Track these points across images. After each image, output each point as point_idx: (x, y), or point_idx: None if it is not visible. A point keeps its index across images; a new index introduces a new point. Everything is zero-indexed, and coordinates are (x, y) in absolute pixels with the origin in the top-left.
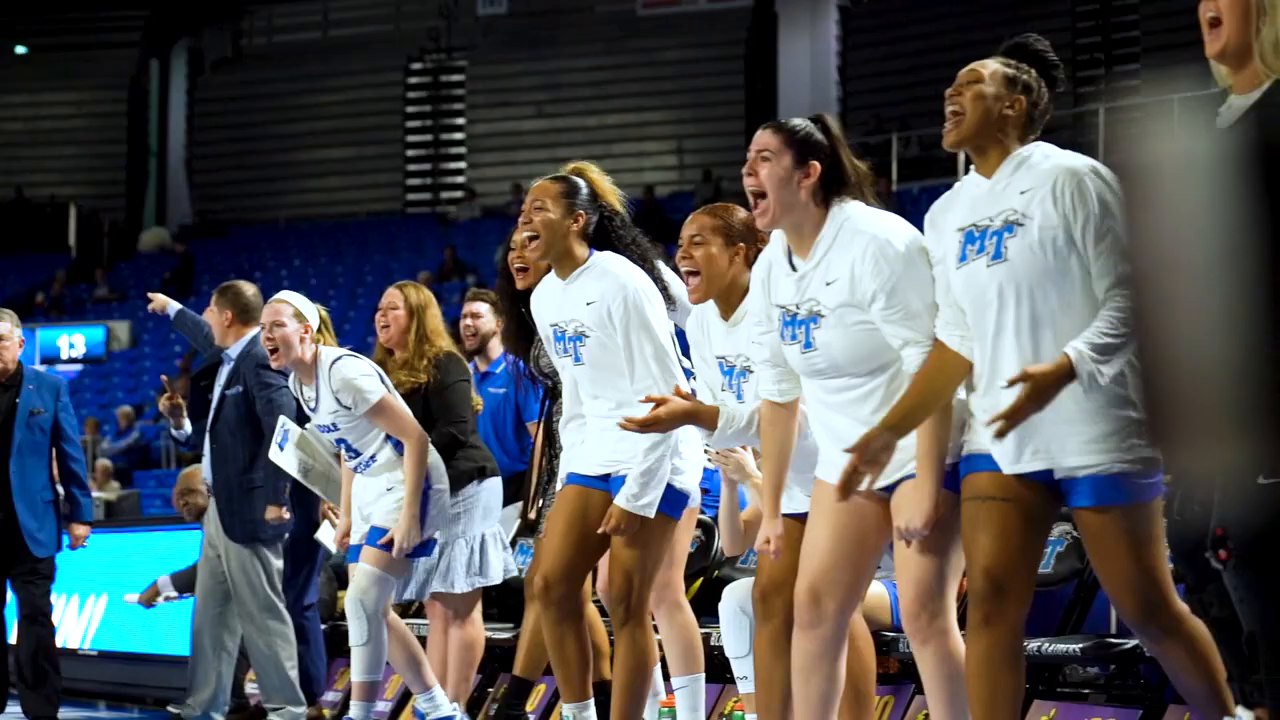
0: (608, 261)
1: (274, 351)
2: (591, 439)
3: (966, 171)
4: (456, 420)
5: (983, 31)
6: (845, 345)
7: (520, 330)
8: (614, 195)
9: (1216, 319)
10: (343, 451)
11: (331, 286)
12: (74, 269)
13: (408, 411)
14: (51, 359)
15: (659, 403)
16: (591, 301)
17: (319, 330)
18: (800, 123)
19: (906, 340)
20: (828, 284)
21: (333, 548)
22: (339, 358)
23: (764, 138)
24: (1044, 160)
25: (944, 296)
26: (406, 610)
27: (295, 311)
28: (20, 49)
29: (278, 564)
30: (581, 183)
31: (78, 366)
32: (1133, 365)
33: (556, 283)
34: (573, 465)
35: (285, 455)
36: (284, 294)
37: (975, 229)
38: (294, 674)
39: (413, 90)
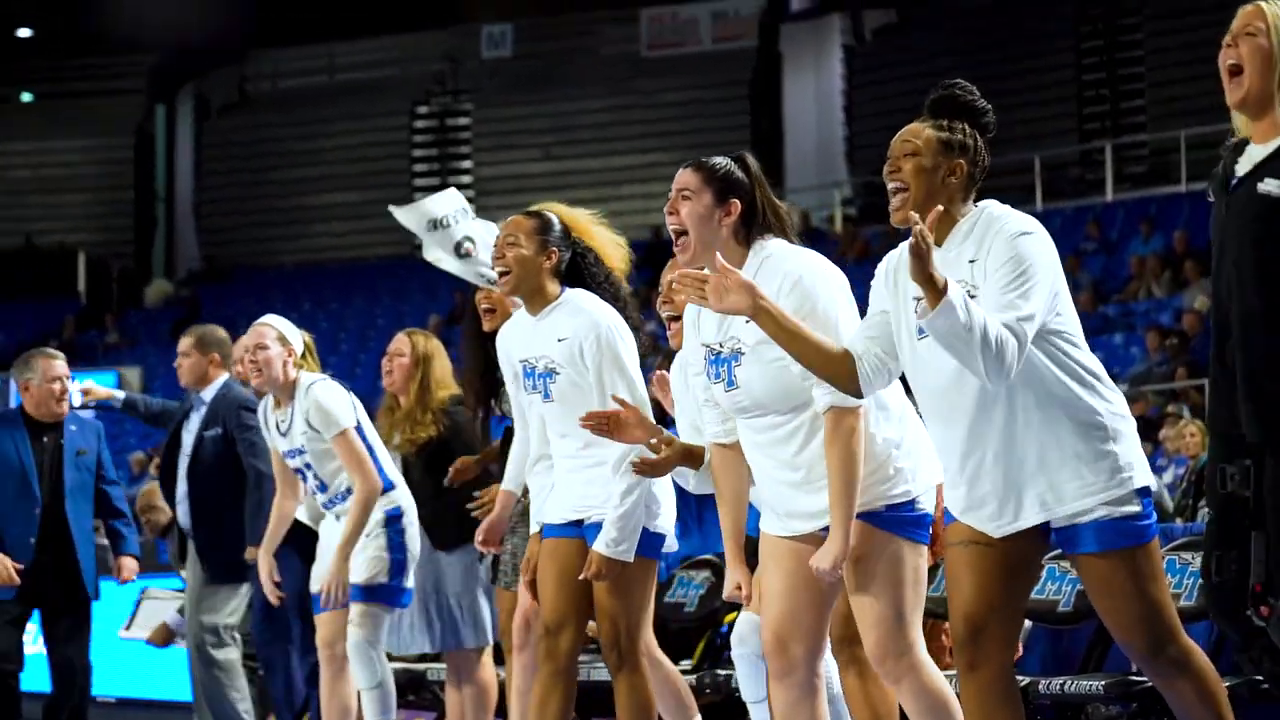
0: (580, 299)
1: (257, 373)
2: (560, 482)
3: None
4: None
5: (987, 69)
6: (765, 382)
7: (485, 372)
8: (587, 230)
9: None
10: (311, 485)
11: (341, 330)
12: (84, 315)
13: (369, 456)
14: None
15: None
16: (564, 338)
17: (302, 356)
18: (721, 161)
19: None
20: (747, 321)
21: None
22: (317, 381)
23: (684, 176)
24: (986, 226)
25: (872, 328)
26: (424, 656)
27: (279, 335)
28: (26, 96)
29: (244, 605)
30: (555, 219)
31: (90, 413)
32: (1101, 395)
33: (527, 319)
34: (545, 515)
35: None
36: (268, 317)
37: None
38: (245, 705)
39: (419, 134)
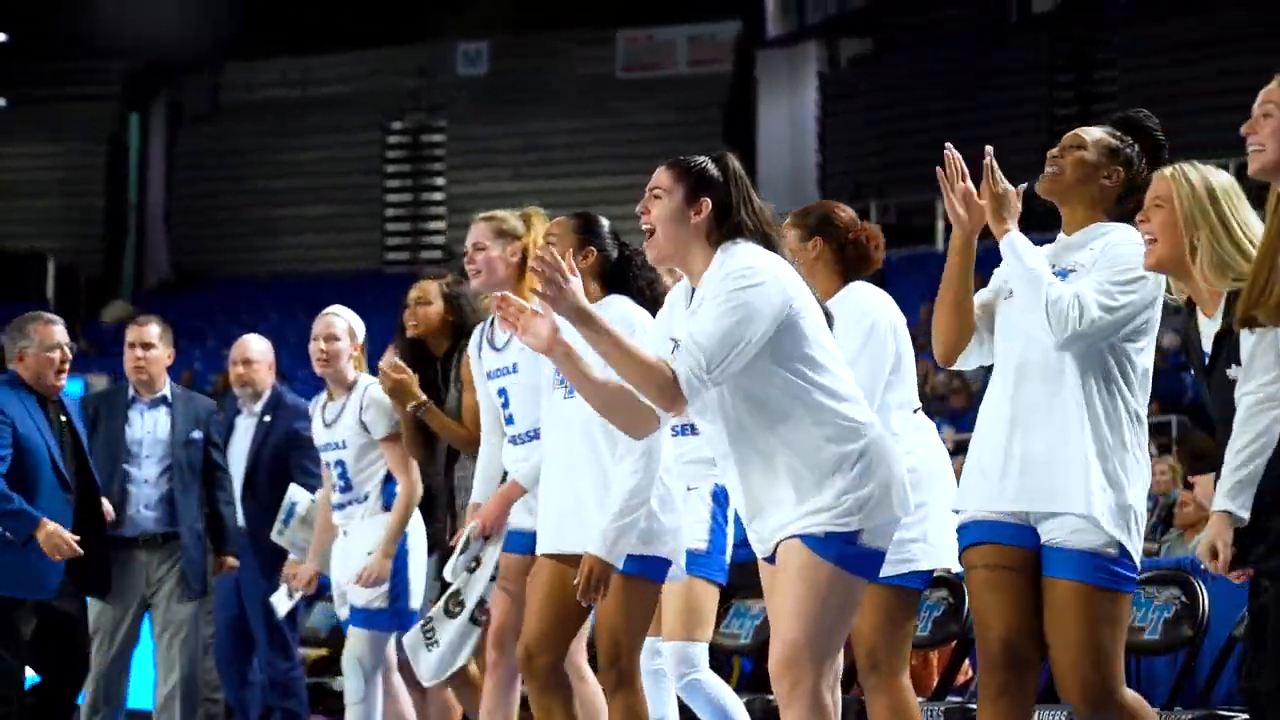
0: (621, 304)
1: (325, 363)
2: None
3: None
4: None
5: (961, 100)
6: None
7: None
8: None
9: None
10: (334, 480)
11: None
12: None
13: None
14: None
15: None
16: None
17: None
18: (697, 159)
19: (678, 350)
20: (692, 314)
21: (282, 611)
22: (376, 381)
23: (659, 174)
24: (1118, 243)
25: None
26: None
27: (349, 328)
28: (0, 101)
29: None
30: (600, 219)
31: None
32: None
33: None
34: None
35: (288, 534)
36: (337, 308)
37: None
38: None
39: (392, 150)
